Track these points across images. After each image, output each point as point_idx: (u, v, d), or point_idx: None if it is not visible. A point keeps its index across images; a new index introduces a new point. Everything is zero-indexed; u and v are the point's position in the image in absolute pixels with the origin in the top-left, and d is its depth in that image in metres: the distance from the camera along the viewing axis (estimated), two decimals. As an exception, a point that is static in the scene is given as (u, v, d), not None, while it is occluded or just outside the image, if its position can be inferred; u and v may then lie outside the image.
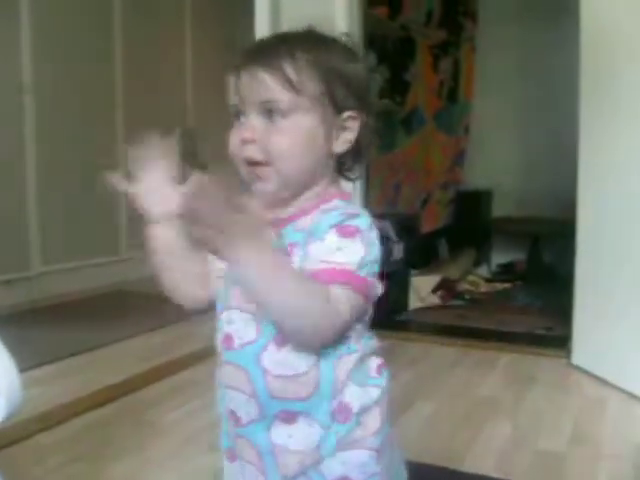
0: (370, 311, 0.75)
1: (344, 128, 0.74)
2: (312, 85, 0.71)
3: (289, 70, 0.70)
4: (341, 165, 0.77)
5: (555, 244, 3.75)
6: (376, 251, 0.70)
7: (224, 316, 0.76)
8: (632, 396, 1.97)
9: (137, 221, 0.77)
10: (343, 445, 0.72)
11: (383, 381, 0.76)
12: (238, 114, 0.73)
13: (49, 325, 2.72)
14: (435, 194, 3.91)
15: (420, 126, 3.65)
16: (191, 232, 0.63)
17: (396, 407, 0.82)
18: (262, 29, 2.34)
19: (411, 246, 3.06)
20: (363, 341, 0.75)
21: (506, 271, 3.93)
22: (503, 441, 1.69)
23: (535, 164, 3.88)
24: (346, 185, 0.79)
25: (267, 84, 0.70)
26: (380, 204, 3.18)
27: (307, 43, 0.73)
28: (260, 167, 0.71)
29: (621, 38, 2.01)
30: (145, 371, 2.18)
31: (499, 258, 4.05)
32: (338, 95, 0.72)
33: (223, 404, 0.78)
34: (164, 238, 0.77)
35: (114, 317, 2.89)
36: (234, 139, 0.73)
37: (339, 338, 0.70)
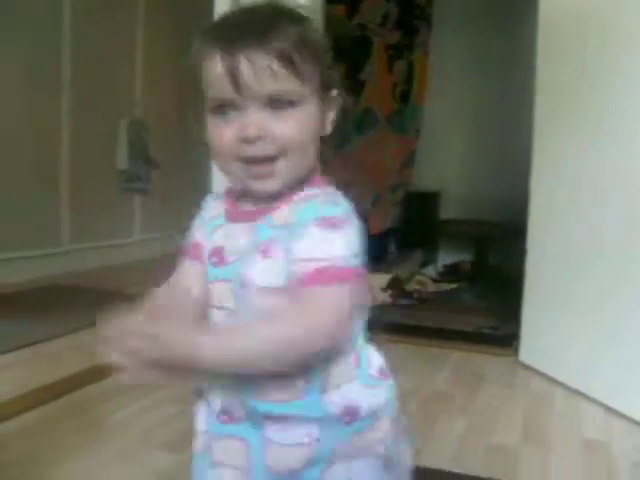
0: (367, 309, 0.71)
1: (330, 108, 0.70)
2: (313, 70, 0.66)
3: (296, 56, 0.63)
4: (322, 148, 0.71)
5: (500, 247, 3.86)
6: (358, 241, 0.64)
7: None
8: (577, 392, 2.04)
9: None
10: (348, 452, 0.67)
11: (388, 383, 0.74)
12: (224, 107, 0.64)
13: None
14: (385, 194, 3.94)
15: (373, 126, 3.67)
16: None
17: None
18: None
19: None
20: (359, 340, 0.71)
21: (451, 272, 4.00)
22: (458, 436, 1.71)
23: (483, 168, 3.97)
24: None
25: (277, 74, 0.62)
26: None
27: (294, 19, 0.66)
28: (267, 164, 0.65)
29: (577, 48, 2.07)
30: (89, 368, 2.08)
31: (445, 259, 4.12)
32: (327, 73, 0.68)
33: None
34: None
35: (52, 311, 2.76)
36: (227, 136, 0.64)
37: (337, 342, 0.64)
